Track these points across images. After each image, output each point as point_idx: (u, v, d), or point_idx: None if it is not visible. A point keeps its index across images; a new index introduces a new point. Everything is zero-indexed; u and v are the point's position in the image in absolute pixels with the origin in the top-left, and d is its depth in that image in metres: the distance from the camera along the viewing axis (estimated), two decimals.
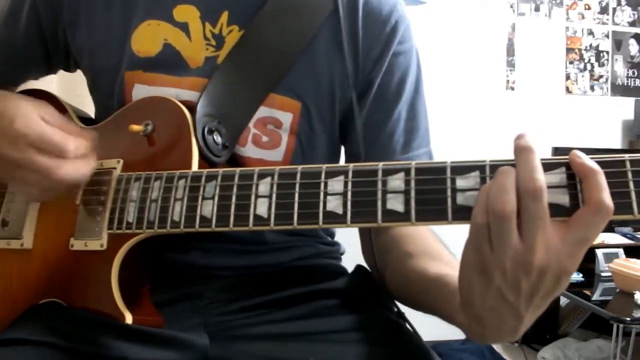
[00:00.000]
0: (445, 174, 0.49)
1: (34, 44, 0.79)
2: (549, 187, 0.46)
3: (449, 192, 0.48)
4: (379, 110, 0.76)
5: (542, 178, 0.44)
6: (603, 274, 2.57)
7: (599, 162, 0.45)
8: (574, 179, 0.46)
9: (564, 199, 0.46)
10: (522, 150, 0.46)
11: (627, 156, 0.45)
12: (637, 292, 2.23)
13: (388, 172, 0.51)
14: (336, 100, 0.75)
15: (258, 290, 0.73)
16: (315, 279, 0.75)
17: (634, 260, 2.37)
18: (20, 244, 0.70)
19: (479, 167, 0.48)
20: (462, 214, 0.48)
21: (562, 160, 0.47)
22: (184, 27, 0.72)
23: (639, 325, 2.20)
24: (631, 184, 0.45)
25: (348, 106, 0.76)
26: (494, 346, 2.63)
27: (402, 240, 0.71)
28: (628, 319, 2.12)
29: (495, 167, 0.48)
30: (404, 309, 0.73)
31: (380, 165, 0.51)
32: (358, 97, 0.75)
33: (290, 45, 0.72)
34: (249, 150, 0.72)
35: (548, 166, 0.46)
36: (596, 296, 2.41)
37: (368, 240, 0.73)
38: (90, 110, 0.83)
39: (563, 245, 0.45)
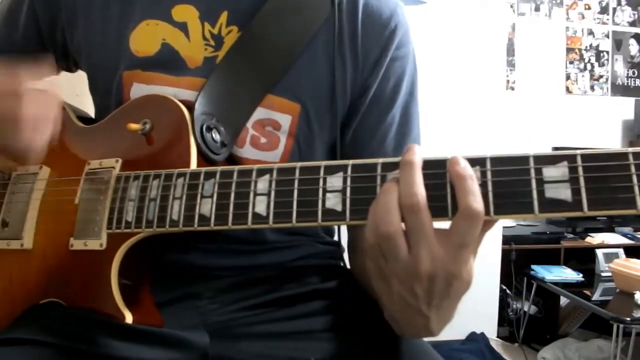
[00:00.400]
0: (444, 169, 0.49)
1: (32, 44, 0.79)
2: (550, 181, 0.45)
3: (448, 188, 0.48)
4: (374, 113, 0.76)
5: (420, 192, 0.46)
6: (603, 274, 2.58)
7: (601, 155, 0.45)
8: (576, 173, 0.45)
9: (565, 193, 0.45)
10: (404, 164, 0.48)
11: (630, 150, 0.45)
12: (637, 292, 2.23)
13: (387, 168, 0.51)
14: (336, 101, 0.75)
15: (258, 289, 0.72)
16: (315, 278, 0.75)
17: (634, 260, 2.37)
18: (20, 245, 0.69)
19: (478, 161, 0.48)
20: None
21: (564, 154, 0.46)
22: (183, 27, 0.72)
23: (639, 325, 2.20)
24: (634, 178, 0.44)
25: (348, 108, 0.76)
26: (494, 346, 2.63)
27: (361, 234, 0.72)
28: (628, 319, 2.12)
29: (494, 161, 0.48)
30: None
31: (380, 161, 0.51)
32: (354, 99, 0.75)
33: (289, 46, 0.72)
34: (246, 151, 0.72)
35: (551, 159, 0.46)
36: (596, 296, 2.41)
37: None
38: (89, 109, 0.83)
39: (445, 253, 0.47)
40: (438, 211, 0.48)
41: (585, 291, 2.47)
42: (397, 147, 0.77)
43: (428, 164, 0.49)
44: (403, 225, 0.48)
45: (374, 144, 0.76)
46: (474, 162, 0.48)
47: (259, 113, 0.72)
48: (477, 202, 0.46)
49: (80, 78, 0.86)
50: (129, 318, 0.60)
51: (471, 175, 0.46)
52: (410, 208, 0.46)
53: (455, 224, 0.47)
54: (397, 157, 0.75)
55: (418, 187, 0.46)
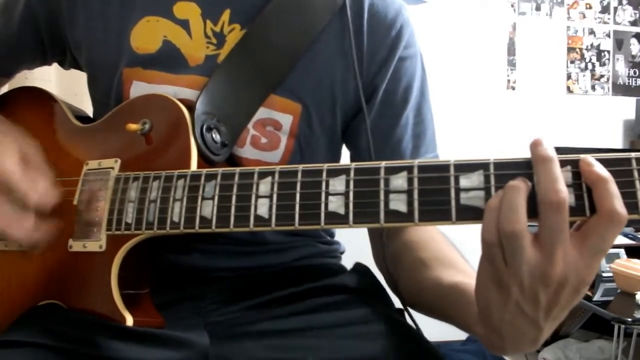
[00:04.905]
0: (448, 172, 0.48)
1: (28, 41, 0.79)
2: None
3: (452, 193, 0.48)
4: (387, 116, 0.76)
5: (565, 189, 0.44)
6: (604, 275, 2.56)
7: (603, 161, 0.45)
8: (579, 179, 0.45)
9: (569, 198, 0.45)
10: (542, 160, 0.45)
11: (633, 155, 0.45)
12: (638, 292, 2.22)
13: (390, 171, 0.50)
14: (337, 103, 0.74)
15: (259, 290, 0.72)
16: (316, 278, 0.75)
17: (635, 260, 2.36)
18: (18, 245, 0.69)
19: (482, 165, 0.48)
20: (466, 214, 0.47)
21: (567, 158, 0.46)
22: (185, 25, 0.72)
23: None
24: (637, 184, 0.44)
25: (351, 110, 0.76)
26: (485, 347, 2.62)
27: (414, 247, 0.71)
28: (629, 319, 2.11)
29: (499, 165, 0.47)
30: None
31: (383, 164, 0.51)
32: (361, 101, 0.74)
33: (292, 46, 0.71)
34: (246, 151, 0.72)
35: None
36: (597, 297, 2.40)
37: (380, 246, 0.72)
38: (88, 109, 0.83)
39: (581, 257, 0.45)
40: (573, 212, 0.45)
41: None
42: (415, 149, 0.77)
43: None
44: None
45: (391, 146, 0.76)
46: (477, 166, 0.48)
47: (260, 113, 0.71)
48: (622, 205, 0.43)
49: (78, 77, 0.85)
50: (129, 320, 0.59)
51: (611, 178, 0.44)
52: (556, 205, 0.43)
53: (595, 227, 0.44)
54: (415, 158, 0.76)
55: (562, 183, 0.44)
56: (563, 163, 0.46)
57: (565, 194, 0.43)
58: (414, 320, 0.70)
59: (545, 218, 0.44)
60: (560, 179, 0.44)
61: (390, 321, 0.68)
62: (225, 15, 0.72)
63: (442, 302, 0.62)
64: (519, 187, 0.45)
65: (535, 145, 0.46)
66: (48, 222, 0.64)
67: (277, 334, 0.66)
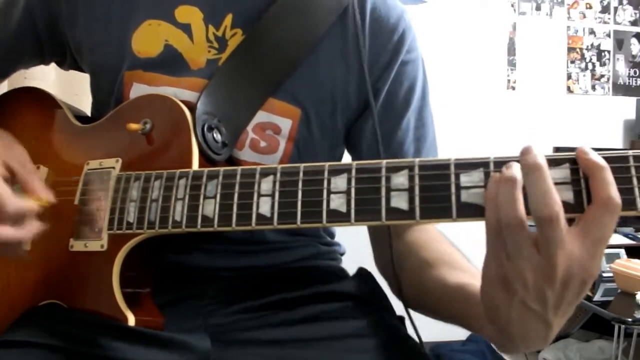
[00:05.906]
0: (449, 170, 0.48)
1: (26, 41, 0.79)
2: (554, 183, 0.45)
3: (453, 189, 0.48)
4: (388, 119, 0.76)
5: (557, 201, 0.43)
6: (604, 275, 2.56)
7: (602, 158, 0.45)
8: (577, 175, 0.46)
9: (567, 195, 0.46)
10: (530, 168, 0.44)
11: (630, 152, 0.45)
12: (638, 292, 2.22)
13: (392, 169, 0.50)
14: (337, 106, 0.74)
15: (260, 291, 0.72)
16: (317, 280, 0.75)
17: (635, 260, 2.36)
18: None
19: (483, 163, 0.48)
20: (466, 211, 0.48)
21: (566, 156, 0.46)
22: (186, 29, 0.71)
23: None
24: (634, 180, 0.44)
25: (352, 114, 0.76)
26: (495, 347, 2.62)
27: (417, 248, 0.71)
28: (629, 319, 2.11)
29: (499, 163, 0.47)
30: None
31: (384, 162, 0.51)
32: (364, 105, 0.74)
33: (293, 51, 0.71)
34: (245, 154, 0.72)
35: (553, 162, 0.46)
36: (598, 297, 2.40)
37: (385, 248, 0.72)
38: (88, 109, 0.83)
39: (582, 251, 0.44)
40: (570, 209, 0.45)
41: None
42: (416, 152, 0.77)
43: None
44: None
45: (392, 149, 0.76)
46: (477, 164, 0.48)
47: (260, 116, 0.71)
48: (617, 192, 0.43)
49: (78, 78, 0.85)
50: (131, 320, 0.59)
51: (607, 167, 0.44)
52: (549, 220, 0.43)
53: (592, 217, 0.44)
54: None
55: (553, 194, 0.43)
56: (561, 160, 0.46)
57: (558, 207, 0.43)
58: (415, 328, 0.70)
59: (541, 231, 0.44)
60: (551, 190, 0.43)
61: (390, 333, 0.68)
62: (228, 20, 0.72)
63: (449, 303, 0.62)
64: (515, 180, 0.45)
65: (524, 153, 0.45)
66: (30, 225, 0.62)
67: (278, 343, 0.66)
